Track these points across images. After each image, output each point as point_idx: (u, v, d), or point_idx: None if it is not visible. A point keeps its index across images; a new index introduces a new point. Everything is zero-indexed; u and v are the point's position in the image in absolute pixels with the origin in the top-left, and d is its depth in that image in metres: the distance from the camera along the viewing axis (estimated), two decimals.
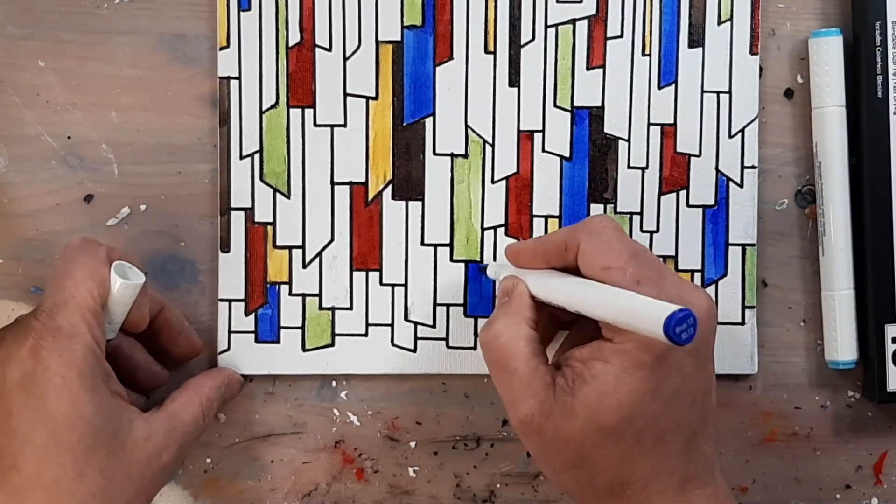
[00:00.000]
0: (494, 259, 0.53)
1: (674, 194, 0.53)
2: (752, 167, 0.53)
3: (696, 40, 0.53)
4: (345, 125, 0.53)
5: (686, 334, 0.37)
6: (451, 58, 0.53)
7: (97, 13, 0.53)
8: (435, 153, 0.53)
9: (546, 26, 0.53)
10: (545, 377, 0.43)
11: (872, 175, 0.52)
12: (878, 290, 0.52)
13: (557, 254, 0.46)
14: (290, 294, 0.53)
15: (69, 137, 0.53)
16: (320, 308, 0.53)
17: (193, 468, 0.54)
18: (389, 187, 0.53)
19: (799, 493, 0.55)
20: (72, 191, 0.53)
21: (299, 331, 0.53)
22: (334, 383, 0.54)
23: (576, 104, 0.53)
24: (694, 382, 0.43)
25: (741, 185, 0.53)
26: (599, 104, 0.53)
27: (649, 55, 0.53)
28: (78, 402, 0.44)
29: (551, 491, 0.55)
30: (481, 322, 0.53)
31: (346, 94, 0.53)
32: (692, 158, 0.53)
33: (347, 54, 0.53)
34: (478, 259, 0.53)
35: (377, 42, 0.53)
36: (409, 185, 0.53)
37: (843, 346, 0.53)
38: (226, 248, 0.53)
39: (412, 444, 0.55)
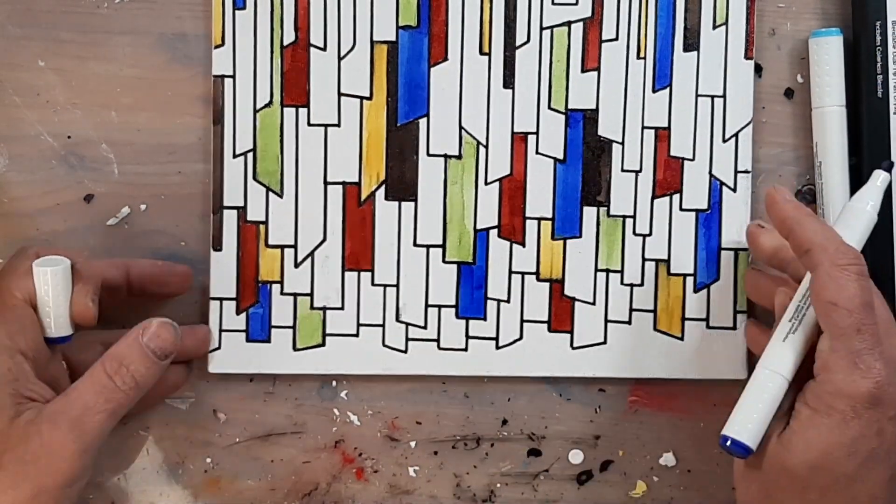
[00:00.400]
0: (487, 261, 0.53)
1: (667, 198, 0.53)
2: (746, 172, 0.53)
3: (691, 44, 0.53)
4: (338, 125, 0.53)
5: None
6: (445, 59, 0.53)
7: (97, 13, 0.53)
8: (429, 154, 0.53)
9: (541, 28, 0.53)
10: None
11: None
12: (878, 289, 0.52)
13: (795, 275, 0.48)
14: (282, 293, 0.53)
15: (69, 137, 0.53)
16: (311, 308, 0.53)
17: (193, 468, 0.54)
18: (382, 187, 0.53)
19: None
20: (72, 191, 0.53)
21: (290, 330, 0.53)
22: (334, 383, 0.54)
23: (570, 106, 0.53)
24: (887, 445, 0.42)
25: (734, 190, 0.53)
26: (594, 107, 0.53)
27: (644, 58, 0.53)
28: None
29: (551, 491, 0.55)
30: (472, 323, 0.53)
31: (340, 94, 0.53)
32: (686, 162, 0.53)
33: (342, 54, 0.53)
34: (470, 260, 0.53)
35: (372, 42, 0.53)
36: (402, 185, 0.53)
37: None
38: (218, 246, 0.53)
39: (412, 444, 0.55)
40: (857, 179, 0.52)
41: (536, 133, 0.53)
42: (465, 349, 0.54)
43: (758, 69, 0.53)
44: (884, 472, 0.42)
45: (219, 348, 0.53)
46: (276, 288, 0.53)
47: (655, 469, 0.55)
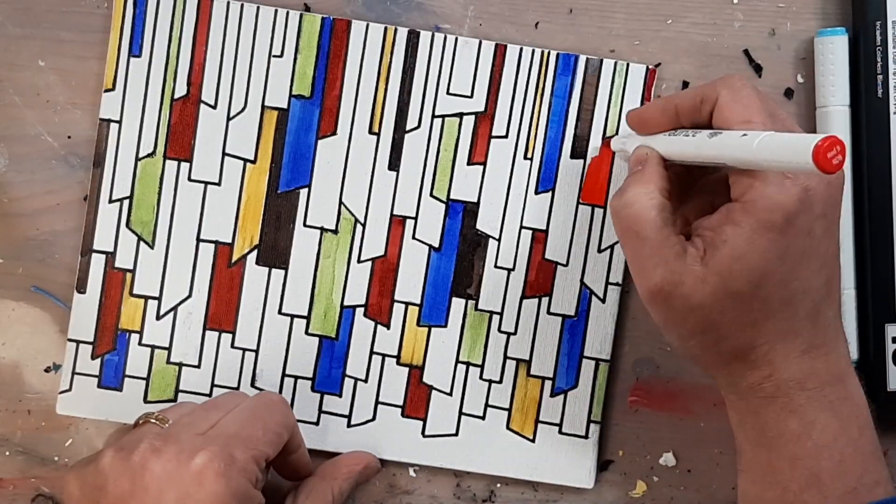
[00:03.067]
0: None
1: (536, 299, 0.53)
2: (617, 284, 0.53)
3: (579, 151, 0.53)
4: (219, 184, 0.53)
5: (836, 160, 0.37)
6: (334, 133, 0.53)
7: (97, 13, 0.53)
8: (305, 224, 0.53)
9: (433, 116, 0.53)
10: (676, 246, 0.43)
11: (873, 175, 0.52)
12: (879, 290, 0.52)
13: (691, 108, 0.46)
14: (140, 344, 0.53)
15: (69, 137, 0.53)
16: (168, 362, 0.53)
17: None
18: (255, 252, 0.53)
19: None
20: (72, 190, 0.53)
21: (143, 381, 0.53)
22: None
23: (452, 196, 0.53)
24: (822, 246, 0.43)
25: (603, 301, 0.53)
26: (475, 200, 0.53)
27: (531, 159, 0.53)
28: None
29: (551, 491, 0.55)
30: (327, 398, 0.53)
31: (224, 154, 0.53)
32: (559, 267, 0.53)
33: (231, 114, 0.52)
34: (333, 335, 0.53)
35: (263, 106, 0.53)
36: (275, 252, 0.53)
37: None
38: (82, 288, 0.53)
39: (390, 460, 0.54)
40: (858, 179, 0.53)
41: (415, 218, 0.53)
42: (317, 423, 0.53)
43: (758, 69, 0.54)
44: (814, 264, 0.43)
45: (69, 390, 0.53)
46: (134, 337, 0.53)
47: (655, 469, 0.55)
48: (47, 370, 0.54)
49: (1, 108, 0.53)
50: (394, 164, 0.53)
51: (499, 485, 0.55)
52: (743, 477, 0.46)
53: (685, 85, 0.54)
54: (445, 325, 0.53)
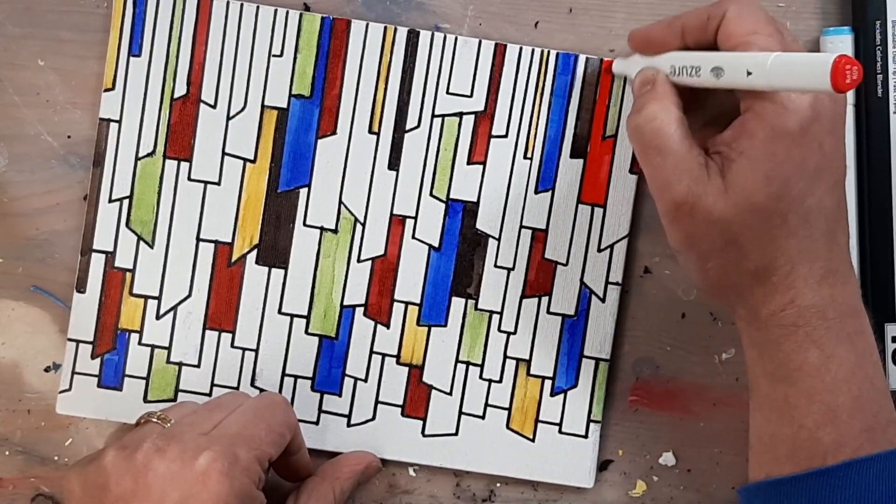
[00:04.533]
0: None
1: (536, 299, 0.53)
2: (617, 284, 0.53)
3: (579, 151, 0.53)
4: (219, 183, 0.53)
5: (851, 77, 0.38)
6: (334, 132, 0.53)
7: (97, 12, 0.53)
8: (305, 224, 0.53)
9: (433, 115, 0.53)
10: (699, 157, 0.43)
11: (873, 175, 0.52)
12: (879, 290, 0.52)
13: (697, 25, 0.45)
14: (140, 343, 0.53)
15: (69, 137, 0.53)
16: (167, 362, 0.53)
17: None
18: (254, 251, 0.53)
19: None
20: (72, 190, 0.53)
21: (143, 381, 0.53)
22: None
23: (451, 196, 0.53)
24: (833, 162, 0.43)
25: (603, 300, 0.53)
26: (475, 199, 0.53)
27: (531, 159, 0.53)
28: None
29: (551, 490, 0.54)
30: (327, 398, 0.53)
31: (224, 153, 0.53)
32: (559, 266, 0.53)
33: (231, 114, 0.52)
34: (333, 335, 0.53)
35: (263, 106, 0.53)
36: (274, 252, 0.53)
37: None
38: (82, 288, 0.53)
39: (390, 459, 0.54)
40: (858, 179, 0.53)
41: (415, 218, 0.53)
42: (317, 423, 0.53)
43: None
44: (828, 181, 0.43)
45: (69, 390, 0.53)
46: (134, 337, 0.53)
47: (655, 469, 0.55)
48: (47, 370, 0.54)
49: (1, 108, 0.53)
50: (393, 163, 0.53)
51: (499, 484, 0.55)
52: (756, 415, 0.46)
53: None
54: (445, 325, 0.53)
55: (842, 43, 0.52)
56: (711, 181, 0.43)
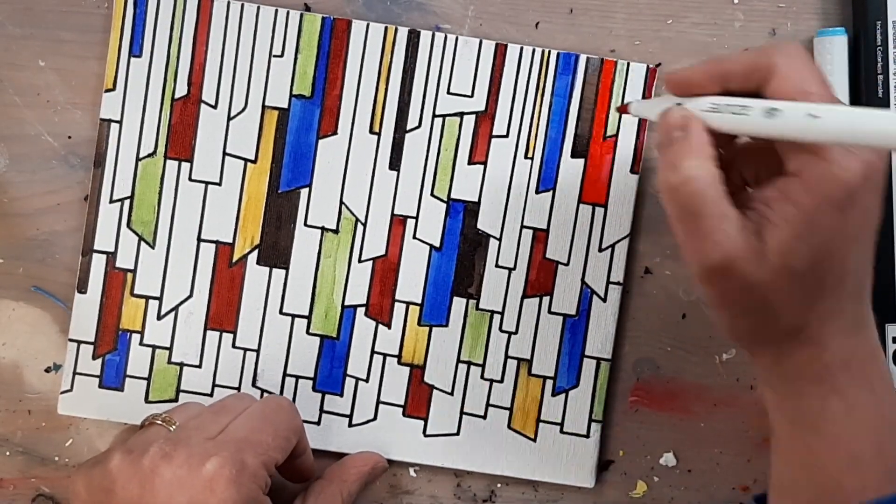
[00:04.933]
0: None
1: (537, 299, 0.53)
2: (618, 283, 0.53)
3: (580, 151, 0.53)
4: (220, 184, 0.53)
5: None
6: (335, 132, 0.53)
7: (97, 13, 0.53)
8: (306, 224, 0.53)
9: (434, 115, 0.53)
10: (735, 221, 0.41)
11: None
12: (878, 290, 0.52)
13: (741, 74, 0.42)
14: (141, 344, 0.53)
15: (69, 137, 0.53)
16: (169, 362, 0.53)
17: None
18: (255, 252, 0.53)
19: None
20: (72, 190, 0.53)
21: (145, 381, 0.53)
22: None
23: (453, 196, 0.53)
24: (872, 219, 0.42)
25: (604, 300, 0.53)
26: (476, 199, 0.53)
27: (531, 158, 0.53)
28: None
29: (551, 490, 0.55)
30: (328, 398, 0.53)
31: (225, 153, 0.53)
32: (560, 266, 0.53)
33: (232, 114, 0.52)
34: (334, 335, 0.53)
35: (263, 106, 0.53)
36: (275, 252, 0.53)
37: None
38: (83, 288, 0.53)
39: (392, 459, 0.54)
40: None
41: (416, 218, 0.53)
42: (318, 423, 0.53)
43: None
44: (866, 239, 0.42)
45: (70, 390, 0.53)
46: (135, 338, 0.53)
47: (655, 469, 0.55)
48: (47, 370, 0.54)
49: (1, 108, 0.53)
50: (394, 163, 0.53)
51: (499, 485, 0.55)
52: (777, 459, 0.45)
53: None
54: (446, 325, 0.53)
55: (835, 44, 0.52)
56: (748, 245, 0.41)
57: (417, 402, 0.53)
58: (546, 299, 0.53)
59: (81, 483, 0.45)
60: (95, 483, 0.44)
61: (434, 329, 0.53)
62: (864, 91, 0.52)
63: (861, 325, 0.43)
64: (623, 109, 0.48)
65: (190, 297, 0.53)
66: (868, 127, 0.37)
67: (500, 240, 0.53)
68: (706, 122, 0.42)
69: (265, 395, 0.53)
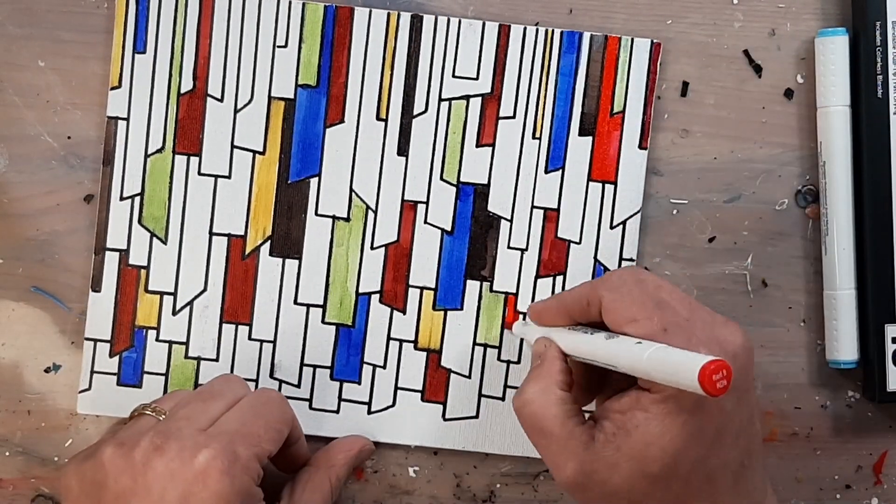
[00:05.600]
0: (521, 318, 0.53)
1: (550, 278, 0.53)
2: (631, 259, 0.53)
3: (587, 129, 0.53)
4: (229, 177, 0.53)
5: (721, 384, 0.37)
6: (342, 121, 0.53)
7: (97, 13, 0.53)
8: (317, 214, 0.53)
9: (440, 99, 0.53)
10: (582, 437, 0.43)
11: (873, 175, 0.52)
12: (879, 290, 0.52)
13: (580, 310, 0.46)
14: (157, 340, 0.53)
15: (69, 137, 0.53)
16: (186, 357, 0.53)
17: None
18: (268, 243, 0.53)
19: (799, 492, 0.55)
20: (72, 191, 0.53)
21: (162, 377, 0.53)
22: None
23: (462, 179, 0.53)
24: (736, 418, 0.43)
25: None
26: (485, 182, 0.53)
27: (539, 138, 0.53)
28: None
29: (551, 491, 0.55)
30: (346, 386, 0.53)
31: (233, 146, 0.53)
32: (572, 245, 0.53)
33: (239, 106, 0.52)
34: (349, 323, 0.53)
35: (269, 97, 0.53)
36: (287, 242, 0.53)
37: (844, 345, 0.53)
38: (97, 287, 0.53)
39: (412, 444, 0.54)
40: (858, 180, 0.53)
41: (426, 203, 0.53)
42: (337, 411, 0.53)
43: (757, 69, 0.54)
44: (729, 436, 0.43)
45: (89, 389, 0.53)
46: (151, 334, 0.53)
47: None
48: (47, 370, 0.54)
49: (1, 108, 0.53)
50: (402, 149, 0.53)
51: (499, 485, 0.55)
52: None
53: (685, 85, 0.54)
54: (461, 308, 0.53)
55: (835, 44, 0.52)
56: (599, 457, 0.43)
57: (435, 386, 0.53)
58: (560, 278, 0.53)
59: (73, 477, 0.45)
60: (87, 476, 0.44)
61: (449, 313, 0.53)
62: (864, 91, 0.52)
63: None
64: (507, 325, 0.53)
65: (204, 291, 0.53)
66: (671, 373, 0.39)
67: (511, 221, 0.53)
68: (564, 347, 0.47)
69: (282, 386, 0.53)
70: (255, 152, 0.53)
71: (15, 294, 0.53)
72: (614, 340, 0.43)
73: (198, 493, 0.43)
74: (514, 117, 0.53)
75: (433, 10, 0.53)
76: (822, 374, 0.55)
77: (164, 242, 0.53)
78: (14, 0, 0.53)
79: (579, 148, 0.53)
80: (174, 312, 0.53)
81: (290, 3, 0.52)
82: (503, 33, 0.53)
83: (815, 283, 0.55)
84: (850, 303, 0.53)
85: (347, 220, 0.53)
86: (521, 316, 0.53)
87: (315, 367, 0.53)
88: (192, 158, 0.53)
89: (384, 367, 0.53)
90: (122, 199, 0.52)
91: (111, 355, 0.53)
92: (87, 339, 0.53)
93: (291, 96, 0.53)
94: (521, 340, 0.53)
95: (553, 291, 0.53)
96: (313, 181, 0.53)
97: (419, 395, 0.53)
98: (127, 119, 0.52)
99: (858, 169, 0.53)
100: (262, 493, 0.46)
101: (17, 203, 0.53)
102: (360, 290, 0.53)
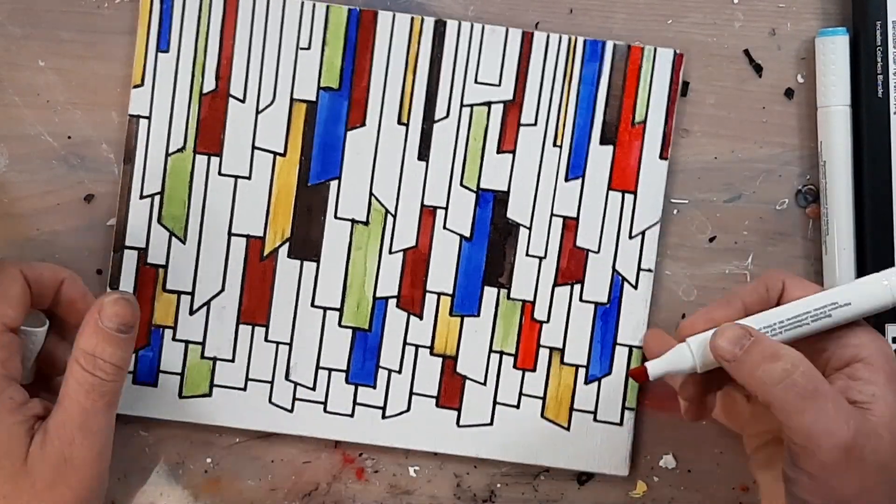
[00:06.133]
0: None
1: (568, 287, 0.53)
2: (649, 270, 0.53)
3: (608, 138, 0.53)
4: (249, 178, 0.53)
5: None
6: (363, 124, 0.53)
7: (97, 13, 0.53)
8: (336, 217, 0.53)
9: (462, 105, 0.53)
10: (843, 402, 0.43)
11: (873, 175, 0.52)
12: None
13: (758, 300, 0.47)
14: (174, 339, 0.53)
15: (69, 137, 0.53)
16: (202, 357, 0.53)
17: (194, 468, 0.54)
18: (286, 245, 0.53)
19: None
20: (72, 190, 0.53)
21: (178, 377, 0.53)
22: None
23: (482, 186, 0.53)
24: None
25: (636, 287, 0.53)
26: (505, 189, 0.53)
27: (560, 146, 0.53)
28: None
29: (551, 491, 0.55)
30: (361, 390, 0.53)
31: (254, 147, 0.53)
32: (590, 254, 0.53)
33: (260, 107, 0.52)
34: (366, 327, 0.53)
35: (292, 99, 0.53)
36: (306, 245, 0.53)
37: None
38: (115, 285, 0.53)
39: (426, 450, 0.54)
40: (858, 179, 0.53)
41: (446, 208, 0.53)
42: (351, 415, 0.53)
43: (758, 69, 0.54)
44: None
45: None
46: (168, 333, 0.53)
47: (655, 469, 0.55)
48: None
49: (1, 108, 0.53)
50: (423, 154, 0.53)
51: (499, 485, 0.55)
52: None
53: (685, 85, 0.54)
54: (478, 315, 0.53)
55: (836, 44, 0.52)
56: (866, 421, 0.42)
57: (450, 392, 0.53)
58: (577, 287, 0.53)
59: None
60: None
61: (466, 319, 0.53)
62: (864, 91, 0.52)
63: None
64: (637, 373, 0.48)
65: (222, 291, 0.53)
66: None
67: (530, 229, 0.53)
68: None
69: (297, 388, 0.53)
70: (275, 154, 0.53)
71: None
72: (846, 286, 0.46)
73: None
74: (535, 125, 0.53)
75: (433, 10, 0.53)
76: None
77: (183, 242, 0.53)
78: (14, 0, 0.53)
79: (600, 157, 0.53)
80: (191, 312, 0.53)
81: (314, 5, 0.52)
82: (526, 40, 0.52)
83: (815, 283, 0.54)
84: None
85: (366, 223, 0.53)
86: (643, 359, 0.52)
87: (330, 370, 0.53)
88: (212, 158, 0.53)
89: (399, 371, 0.53)
90: (141, 197, 0.53)
91: None
92: None
93: (313, 98, 0.53)
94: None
95: (570, 300, 0.53)
96: (333, 184, 0.53)
97: (434, 400, 0.53)
98: (149, 118, 0.52)
99: (858, 169, 0.53)
100: (15, 386, 0.46)
101: (17, 203, 0.53)
102: (378, 295, 0.53)
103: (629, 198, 0.53)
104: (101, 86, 0.53)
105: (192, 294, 0.53)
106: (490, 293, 0.53)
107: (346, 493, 0.55)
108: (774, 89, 0.54)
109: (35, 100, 0.53)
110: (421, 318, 0.53)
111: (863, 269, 0.53)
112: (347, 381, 0.53)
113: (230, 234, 0.53)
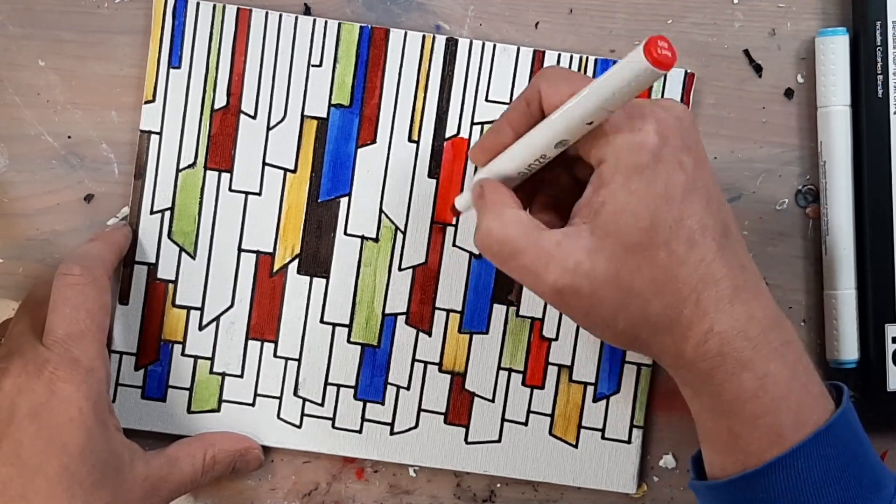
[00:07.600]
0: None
1: None
2: None
3: None
4: (259, 194, 0.53)
5: (665, 53, 0.39)
6: (374, 141, 0.53)
7: (97, 13, 0.53)
8: (346, 233, 0.53)
9: (472, 123, 0.53)
10: (552, 238, 0.43)
11: (872, 175, 0.52)
12: (879, 290, 0.52)
13: (521, 115, 0.46)
14: (183, 354, 0.53)
15: (69, 137, 0.53)
16: (211, 372, 0.53)
17: None
18: (296, 261, 0.53)
19: None
20: (72, 190, 0.53)
21: (187, 392, 0.53)
22: None
23: None
24: (700, 179, 0.43)
25: None
26: None
27: None
28: (91, 435, 0.45)
29: (551, 491, 0.55)
30: (370, 406, 0.53)
31: (264, 163, 0.53)
32: None
33: (271, 124, 0.53)
34: (375, 343, 0.53)
35: (303, 116, 0.53)
36: (316, 261, 0.53)
37: (845, 345, 0.53)
38: (125, 300, 0.53)
39: (433, 467, 0.54)
40: (858, 179, 0.53)
41: (455, 226, 0.53)
42: (360, 431, 0.53)
43: (758, 69, 0.54)
44: (701, 199, 0.43)
45: (113, 402, 0.53)
46: (177, 348, 0.53)
47: (655, 469, 0.55)
48: None
49: (1, 109, 0.53)
50: (433, 171, 0.53)
51: (499, 485, 0.55)
52: (705, 447, 0.46)
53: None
54: (487, 332, 0.53)
55: (836, 44, 0.52)
56: (577, 247, 0.42)
57: (459, 409, 0.53)
58: None
59: None
60: None
61: (475, 336, 0.53)
62: (864, 91, 0.52)
63: (745, 290, 0.43)
64: (451, 208, 0.52)
65: (231, 306, 0.53)
66: (618, 78, 0.40)
67: None
68: (503, 173, 0.46)
69: (305, 404, 0.53)
70: (286, 170, 0.53)
71: (15, 293, 0.53)
72: (562, 108, 0.43)
73: (47, 402, 0.45)
74: None
75: (433, 10, 0.53)
76: (823, 374, 0.54)
77: (193, 257, 0.53)
78: (14, 0, 0.53)
79: None
80: (201, 327, 0.53)
81: (325, 22, 0.52)
82: (537, 58, 0.53)
83: (815, 283, 0.54)
84: (850, 303, 0.53)
85: (376, 240, 0.53)
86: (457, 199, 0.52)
87: (339, 386, 0.53)
88: (223, 174, 0.53)
89: (408, 388, 0.53)
90: (152, 212, 0.53)
91: (136, 368, 0.53)
92: (113, 351, 0.53)
93: (324, 115, 0.53)
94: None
95: None
96: (343, 200, 0.53)
97: (442, 417, 0.53)
98: (160, 133, 0.52)
99: (858, 169, 0.53)
100: (108, 394, 0.47)
101: (17, 203, 0.53)
102: (387, 311, 0.53)
103: None
104: (101, 86, 0.53)
105: (201, 309, 0.53)
106: (499, 311, 0.53)
107: (346, 493, 0.55)
108: (774, 89, 0.54)
109: (35, 100, 0.53)
110: (430, 334, 0.53)
111: (863, 268, 0.53)
112: (356, 398, 0.53)
113: (240, 250, 0.53)
